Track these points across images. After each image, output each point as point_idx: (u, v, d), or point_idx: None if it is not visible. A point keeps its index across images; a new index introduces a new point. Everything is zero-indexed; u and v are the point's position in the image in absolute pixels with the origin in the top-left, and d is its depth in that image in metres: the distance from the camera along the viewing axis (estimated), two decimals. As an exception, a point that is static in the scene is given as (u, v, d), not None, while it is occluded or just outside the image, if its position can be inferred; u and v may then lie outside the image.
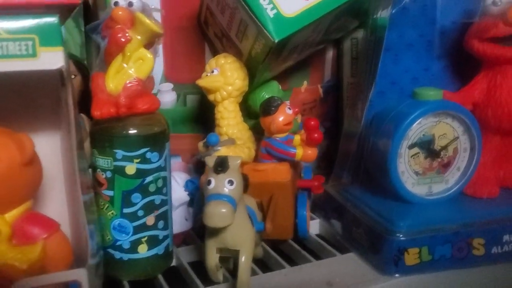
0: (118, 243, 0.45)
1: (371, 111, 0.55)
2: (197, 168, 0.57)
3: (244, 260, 0.42)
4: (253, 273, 0.47)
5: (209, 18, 0.55)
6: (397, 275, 0.47)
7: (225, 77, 0.52)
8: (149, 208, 0.45)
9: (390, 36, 0.54)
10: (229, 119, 0.53)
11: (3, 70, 0.36)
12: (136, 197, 0.44)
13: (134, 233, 0.45)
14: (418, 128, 0.51)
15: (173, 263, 0.51)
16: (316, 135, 0.50)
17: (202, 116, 0.61)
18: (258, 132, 0.56)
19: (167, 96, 0.60)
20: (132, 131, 0.43)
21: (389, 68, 0.55)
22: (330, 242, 0.56)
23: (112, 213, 0.44)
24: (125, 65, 0.42)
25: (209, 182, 0.41)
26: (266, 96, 0.58)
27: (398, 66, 0.56)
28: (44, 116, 0.43)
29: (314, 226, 0.60)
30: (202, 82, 0.52)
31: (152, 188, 0.44)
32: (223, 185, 0.40)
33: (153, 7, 0.45)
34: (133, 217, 0.44)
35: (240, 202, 0.42)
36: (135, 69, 0.43)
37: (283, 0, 0.46)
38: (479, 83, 0.54)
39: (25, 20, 0.37)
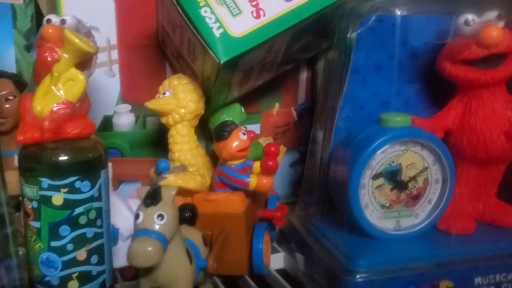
0: (47, 278, 0.41)
1: (338, 137, 0.51)
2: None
3: (178, 300, 0.38)
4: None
5: (165, 37, 0.52)
6: (354, 320, 0.43)
7: (177, 99, 0.49)
8: (79, 241, 0.41)
9: (356, 57, 0.50)
10: (182, 144, 0.50)
11: None
12: (64, 229, 0.40)
13: (63, 268, 0.41)
14: (383, 157, 0.47)
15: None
16: (270, 162, 0.46)
17: (164, 139, 0.58)
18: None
19: (124, 118, 0.57)
20: (59, 158, 0.39)
21: (357, 91, 0.51)
22: (292, 279, 0.52)
23: (40, 246, 0.41)
24: (53, 86, 0.39)
25: (137, 216, 0.37)
26: (229, 118, 0.54)
27: (366, 90, 0.52)
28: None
29: (278, 261, 0.55)
30: (152, 104, 0.48)
31: (82, 220, 0.41)
32: (152, 220, 0.37)
33: (88, 24, 0.42)
34: (61, 251, 0.41)
35: (176, 237, 0.39)
36: (65, 91, 0.39)
37: (231, 19, 0.43)
38: (454, 109, 0.50)
39: None
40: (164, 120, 0.50)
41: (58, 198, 0.40)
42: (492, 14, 0.46)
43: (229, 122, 0.48)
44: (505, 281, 0.46)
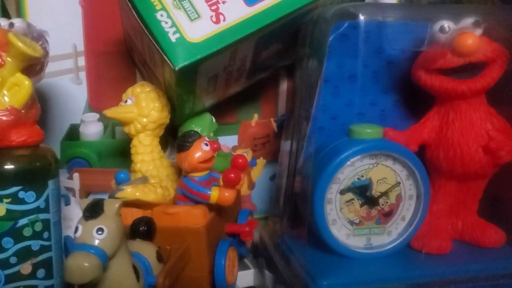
0: (-11, 293, 0.39)
1: (310, 148, 0.49)
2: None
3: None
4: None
5: (131, 43, 0.51)
6: None
7: (139, 107, 0.47)
8: (23, 254, 0.39)
9: (328, 66, 0.48)
10: (144, 155, 0.48)
11: None
12: (7, 241, 0.38)
13: (6, 282, 0.39)
14: (351, 170, 0.44)
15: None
16: (232, 175, 0.44)
17: (134, 149, 0.56)
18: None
19: (92, 127, 0.55)
20: (1, 167, 0.37)
21: (329, 101, 0.49)
22: (260, 297, 0.49)
23: (-18, 259, 0.39)
24: (-3, 92, 0.37)
25: (76, 229, 0.35)
26: (200, 130, 0.52)
27: (339, 100, 0.49)
28: None
29: (247, 277, 0.53)
30: (110, 112, 0.46)
31: (27, 232, 0.39)
32: (91, 233, 0.34)
33: (38, 28, 0.41)
34: (4, 264, 0.39)
35: (121, 252, 0.36)
36: (9, 97, 0.38)
37: (189, 24, 0.41)
38: (430, 121, 0.48)
39: None
40: (126, 129, 0.48)
41: (0, 209, 0.38)
42: (468, 21, 0.44)
43: (192, 132, 0.46)
44: (481, 305, 0.43)
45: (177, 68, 0.40)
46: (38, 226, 0.39)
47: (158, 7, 0.41)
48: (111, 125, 0.56)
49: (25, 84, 0.38)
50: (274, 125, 0.62)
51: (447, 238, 0.47)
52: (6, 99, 0.37)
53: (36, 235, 0.39)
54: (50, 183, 0.40)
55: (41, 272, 0.40)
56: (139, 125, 0.47)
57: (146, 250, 0.42)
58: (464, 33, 0.43)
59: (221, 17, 0.41)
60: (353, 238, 0.46)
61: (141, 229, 0.43)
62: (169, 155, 0.57)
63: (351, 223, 0.45)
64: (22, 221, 0.39)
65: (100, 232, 0.35)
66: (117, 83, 0.55)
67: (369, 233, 0.46)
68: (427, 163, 0.48)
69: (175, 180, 0.50)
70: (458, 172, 0.46)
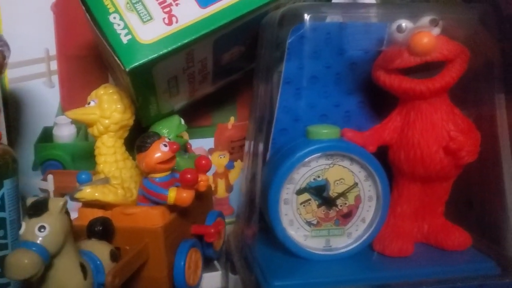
0: None
1: (274, 150, 0.49)
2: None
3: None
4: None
5: (100, 46, 0.52)
6: None
7: (102, 109, 0.48)
8: (-23, 252, 0.40)
9: (289, 68, 0.48)
10: (107, 156, 0.48)
11: None
12: (-40, 239, 0.39)
13: (-39, 279, 0.40)
14: (307, 171, 0.44)
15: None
16: (188, 175, 0.44)
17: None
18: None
19: (65, 130, 0.56)
20: (-46, 166, 0.39)
21: (291, 103, 0.49)
22: (224, 299, 0.49)
23: None
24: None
25: (19, 227, 0.36)
26: (166, 131, 0.53)
27: (301, 101, 0.49)
28: None
29: (215, 279, 0.53)
30: (71, 113, 0.47)
31: (-19, 231, 0.40)
32: (33, 231, 0.35)
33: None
34: (-42, 261, 0.40)
35: (66, 250, 0.37)
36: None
37: (141, 26, 0.41)
38: (392, 121, 0.47)
39: None
40: (90, 131, 0.49)
41: (-47, 207, 0.39)
42: (425, 20, 0.43)
43: (151, 133, 0.46)
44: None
45: (127, 69, 0.41)
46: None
47: (111, 10, 0.42)
48: (84, 128, 0.57)
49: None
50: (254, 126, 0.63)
51: (409, 241, 0.46)
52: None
53: (-9, 233, 0.40)
54: (6, 183, 0.41)
55: (-4, 270, 0.41)
56: (102, 127, 0.48)
57: (100, 249, 0.42)
58: (419, 32, 0.43)
59: (173, 19, 0.42)
60: (311, 240, 0.45)
61: (96, 229, 0.43)
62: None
63: (309, 224, 0.45)
64: (-24, 219, 0.40)
65: (42, 230, 0.35)
66: (89, 87, 0.55)
67: (328, 235, 0.45)
68: (391, 164, 0.47)
69: (138, 182, 0.50)
70: (420, 174, 0.46)
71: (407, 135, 0.46)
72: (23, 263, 0.34)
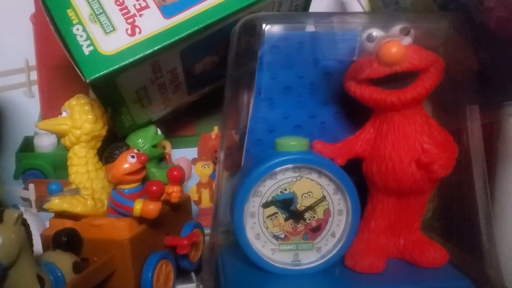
0: None
1: (247, 160, 0.48)
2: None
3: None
4: None
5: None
6: None
7: (73, 120, 0.48)
8: None
9: (261, 78, 0.47)
10: (79, 167, 0.48)
11: None
12: None
13: None
14: (273, 183, 0.43)
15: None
16: (154, 187, 0.44)
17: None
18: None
19: (45, 139, 0.57)
20: None
21: (264, 113, 0.48)
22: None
23: None
24: None
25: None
26: (141, 141, 0.53)
27: (275, 112, 0.48)
28: None
29: (189, 292, 0.52)
30: (42, 124, 0.47)
31: None
32: (-14, 242, 0.35)
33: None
34: None
35: (22, 262, 0.37)
36: None
37: (103, 37, 0.41)
38: (365, 133, 0.46)
39: None
40: (62, 141, 0.49)
41: None
42: (396, 29, 0.42)
43: (120, 144, 0.46)
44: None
45: (88, 80, 0.41)
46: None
47: (74, 21, 0.42)
48: (65, 138, 0.57)
49: None
50: (236, 137, 0.62)
51: (381, 257, 0.44)
52: None
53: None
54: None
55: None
56: (73, 137, 0.48)
57: (62, 261, 0.42)
58: (388, 41, 0.41)
59: (136, 29, 0.42)
60: (279, 254, 0.44)
61: (61, 240, 0.43)
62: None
63: (276, 237, 0.44)
64: None
65: (-6, 242, 0.35)
66: (69, 96, 0.56)
67: (297, 249, 0.44)
68: (365, 176, 0.46)
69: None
70: (392, 187, 0.44)
71: (379, 147, 0.44)
72: (-27, 275, 0.34)
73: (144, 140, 0.52)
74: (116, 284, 0.45)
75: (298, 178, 0.43)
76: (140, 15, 0.42)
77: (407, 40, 0.42)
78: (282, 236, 0.44)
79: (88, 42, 0.41)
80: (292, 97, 0.48)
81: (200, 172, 0.63)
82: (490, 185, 0.45)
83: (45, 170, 0.57)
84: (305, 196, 0.44)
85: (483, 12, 0.40)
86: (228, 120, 0.48)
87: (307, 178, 0.43)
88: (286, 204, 0.43)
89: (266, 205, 0.43)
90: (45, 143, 0.56)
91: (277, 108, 0.48)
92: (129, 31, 0.42)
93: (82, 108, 0.48)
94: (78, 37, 0.41)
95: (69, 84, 0.56)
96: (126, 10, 0.42)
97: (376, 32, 0.42)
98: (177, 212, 0.53)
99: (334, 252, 0.44)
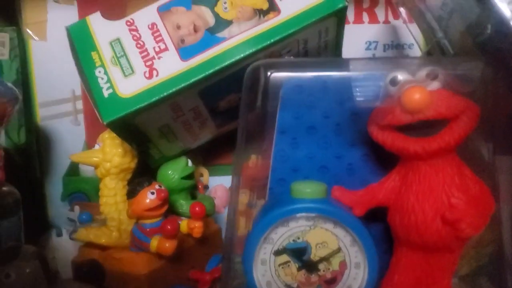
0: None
1: (270, 199, 0.47)
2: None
3: None
4: None
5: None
6: None
7: (104, 153, 0.50)
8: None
9: (283, 117, 0.46)
10: (108, 198, 0.50)
11: None
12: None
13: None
14: (285, 231, 0.41)
15: None
16: (169, 226, 0.44)
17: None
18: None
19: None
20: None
21: (288, 153, 0.47)
22: None
23: None
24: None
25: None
26: (171, 173, 0.53)
27: (299, 152, 0.47)
28: None
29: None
30: (74, 157, 0.50)
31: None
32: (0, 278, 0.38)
33: (9, 84, 0.46)
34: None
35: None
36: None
37: (122, 79, 0.42)
38: (391, 180, 0.43)
39: None
40: (96, 172, 0.51)
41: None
42: (423, 73, 0.39)
43: (142, 179, 0.47)
44: None
45: (105, 122, 0.42)
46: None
47: (97, 64, 0.43)
48: (108, 164, 0.59)
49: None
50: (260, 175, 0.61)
51: (401, 316, 0.41)
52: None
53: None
54: (2, 223, 0.44)
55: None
56: (104, 170, 0.50)
57: (78, 292, 0.44)
58: (412, 86, 0.38)
59: (154, 72, 0.42)
60: (291, 304, 0.43)
61: (82, 272, 0.45)
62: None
63: (288, 287, 0.42)
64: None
65: (8, 277, 0.38)
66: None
67: (310, 300, 0.42)
68: (390, 227, 0.43)
69: (139, 224, 0.51)
70: (416, 242, 0.41)
71: (403, 198, 0.41)
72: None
73: (173, 171, 0.53)
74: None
75: (312, 227, 0.41)
76: (159, 58, 0.43)
77: (435, 85, 0.39)
78: (295, 286, 0.42)
79: (108, 84, 0.42)
80: (317, 137, 0.46)
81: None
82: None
83: (89, 194, 0.60)
84: (319, 246, 0.42)
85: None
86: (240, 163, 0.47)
87: (321, 227, 0.41)
88: (299, 254, 0.42)
89: (278, 253, 0.42)
90: (89, 168, 0.59)
91: (301, 148, 0.47)
92: (147, 74, 0.42)
93: (113, 141, 0.50)
94: (99, 80, 0.43)
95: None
96: (146, 53, 0.43)
97: (400, 75, 0.39)
98: (204, 244, 0.53)
99: (350, 306, 0.42)
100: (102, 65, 0.43)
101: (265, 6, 0.43)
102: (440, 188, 0.40)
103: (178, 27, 0.43)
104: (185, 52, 0.43)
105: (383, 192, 0.42)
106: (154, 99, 0.42)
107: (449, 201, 0.39)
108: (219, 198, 0.61)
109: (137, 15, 0.44)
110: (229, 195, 0.49)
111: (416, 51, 0.61)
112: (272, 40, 0.42)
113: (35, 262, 0.39)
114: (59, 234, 0.58)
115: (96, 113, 0.42)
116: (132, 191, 0.47)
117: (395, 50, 0.62)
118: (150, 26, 0.43)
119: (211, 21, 0.43)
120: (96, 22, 0.44)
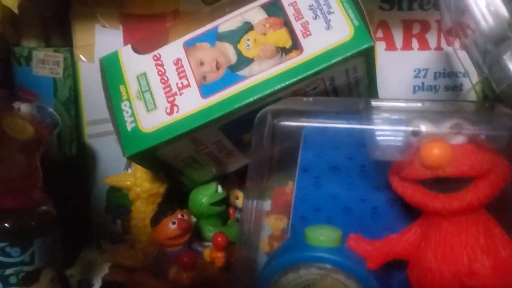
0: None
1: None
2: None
3: None
4: None
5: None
6: None
7: (135, 177, 0.52)
8: (9, 298, 0.47)
9: (305, 155, 0.45)
10: (138, 220, 0.52)
11: None
12: (-2, 286, 0.47)
13: (-4, 320, 0.48)
14: (295, 277, 0.41)
15: None
16: (185, 258, 0.45)
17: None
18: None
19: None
20: (-7, 226, 0.46)
21: (310, 191, 0.46)
22: None
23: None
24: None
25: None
26: (202, 198, 0.54)
27: (321, 191, 0.45)
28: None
29: None
30: (109, 179, 0.52)
31: (12, 280, 0.47)
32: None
33: (50, 110, 0.49)
34: (-5, 304, 0.48)
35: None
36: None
37: (145, 114, 0.43)
38: (412, 233, 0.40)
39: None
40: (129, 194, 0.53)
41: (-6, 259, 0.47)
42: (447, 125, 0.36)
43: (165, 207, 0.48)
44: None
45: (126, 156, 0.43)
46: (21, 276, 0.47)
47: (124, 97, 0.45)
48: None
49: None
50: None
51: None
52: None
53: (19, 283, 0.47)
54: (36, 241, 0.48)
55: (25, 314, 0.48)
56: (134, 193, 0.52)
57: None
58: (432, 141, 0.35)
59: (175, 108, 0.43)
60: None
61: (108, 292, 0.48)
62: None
63: (296, 333, 0.42)
64: (9, 271, 0.47)
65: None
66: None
67: None
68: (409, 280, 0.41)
69: (168, 247, 0.53)
70: (432, 302, 0.38)
71: (422, 253, 0.38)
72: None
73: (203, 197, 0.54)
74: None
75: (323, 276, 0.40)
76: (181, 94, 0.43)
77: (458, 139, 0.36)
78: (303, 332, 0.41)
79: (132, 118, 0.44)
80: (340, 178, 0.45)
81: (273, 224, 0.62)
82: None
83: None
84: (329, 296, 0.40)
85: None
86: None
87: (333, 277, 0.40)
88: (308, 301, 0.41)
89: (287, 298, 0.41)
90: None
91: (324, 187, 0.45)
92: (168, 110, 0.43)
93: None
94: (124, 113, 0.44)
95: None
96: (168, 89, 0.43)
97: (424, 126, 0.37)
98: (229, 272, 0.53)
99: None
100: (128, 99, 0.44)
101: (288, 44, 0.42)
102: (461, 249, 0.37)
103: (201, 64, 0.43)
104: (205, 89, 0.43)
105: (402, 245, 0.40)
106: (173, 135, 0.42)
107: (470, 266, 0.36)
108: (253, 221, 0.61)
109: (164, 49, 0.45)
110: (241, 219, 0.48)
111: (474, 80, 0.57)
112: (293, 80, 0.41)
113: (57, 287, 0.42)
114: (98, 248, 0.61)
115: (119, 145, 0.44)
116: (155, 219, 0.48)
117: (447, 79, 0.58)
118: (175, 62, 0.44)
119: (233, 58, 0.43)
120: (126, 55, 0.46)
